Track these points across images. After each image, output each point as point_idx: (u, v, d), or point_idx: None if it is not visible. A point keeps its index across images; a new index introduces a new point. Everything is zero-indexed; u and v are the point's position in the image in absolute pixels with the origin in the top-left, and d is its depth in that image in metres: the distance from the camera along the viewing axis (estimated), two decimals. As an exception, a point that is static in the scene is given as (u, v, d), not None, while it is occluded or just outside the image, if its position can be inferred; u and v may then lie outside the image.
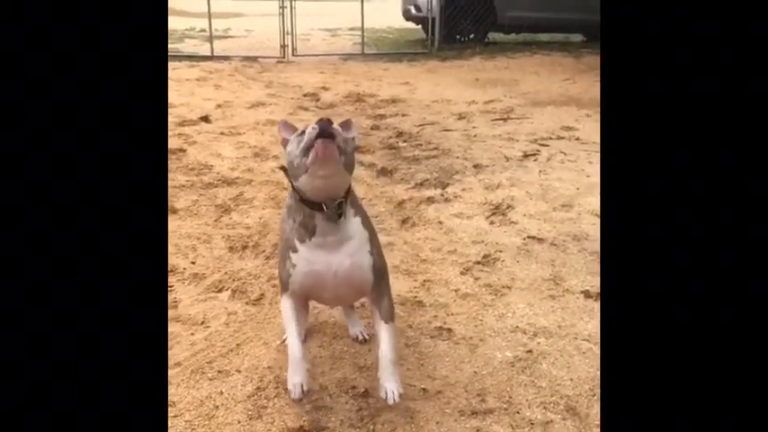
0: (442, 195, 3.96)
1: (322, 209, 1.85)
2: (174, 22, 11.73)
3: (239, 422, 2.02)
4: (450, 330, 2.51)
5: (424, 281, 2.90)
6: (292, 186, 1.91)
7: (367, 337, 2.44)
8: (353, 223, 1.93)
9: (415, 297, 2.76)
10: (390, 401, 1.93)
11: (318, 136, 1.73)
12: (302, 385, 1.95)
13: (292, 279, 1.96)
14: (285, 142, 1.95)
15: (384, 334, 1.98)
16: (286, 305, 2.02)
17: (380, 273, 2.00)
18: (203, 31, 10.21)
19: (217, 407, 2.08)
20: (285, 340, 2.38)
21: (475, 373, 2.26)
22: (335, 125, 1.80)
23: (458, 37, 10.48)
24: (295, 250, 1.93)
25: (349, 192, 1.92)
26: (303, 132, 1.82)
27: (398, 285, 2.86)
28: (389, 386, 1.94)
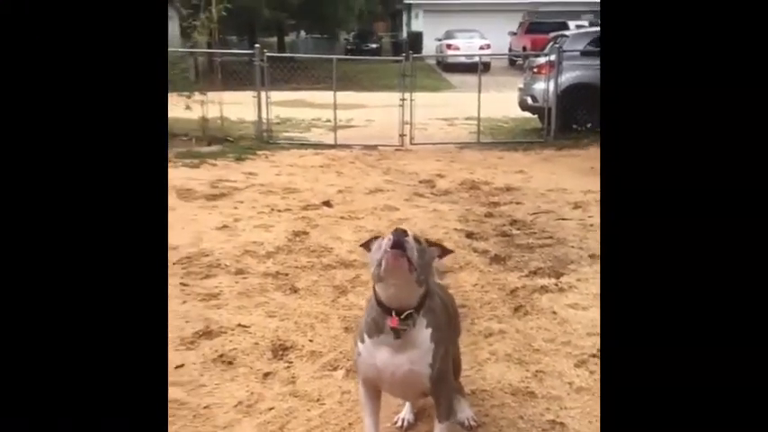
0: (557, 285, 3.93)
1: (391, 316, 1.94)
2: (302, 113, 12.64)
3: (350, 500, 2.07)
4: (563, 425, 2.46)
5: (537, 371, 2.87)
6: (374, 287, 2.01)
7: (474, 423, 2.44)
8: (421, 333, 1.98)
9: (527, 387, 2.73)
10: None
11: (391, 247, 1.83)
12: None
13: (357, 365, 2.10)
14: (369, 252, 2.04)
15: (437, 430, 2.07)
16: (361, 390, 2.15)
17: (439, 381, 2.04)
18: (328, 121, 10.88)
19: (329, 483, 2.15)
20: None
21: (588, 471, 2.19)
22: (410, 237, 1.88)
23: (574, 126, 10.48)
24: (362, 341, 2.04)
25: (423, 302, 1.98)
26: (381, 242, 1.92)
27: (510, 375, 2.85)
28: None
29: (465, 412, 2.47)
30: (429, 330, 1.99)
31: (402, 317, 1.93)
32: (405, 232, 1.87)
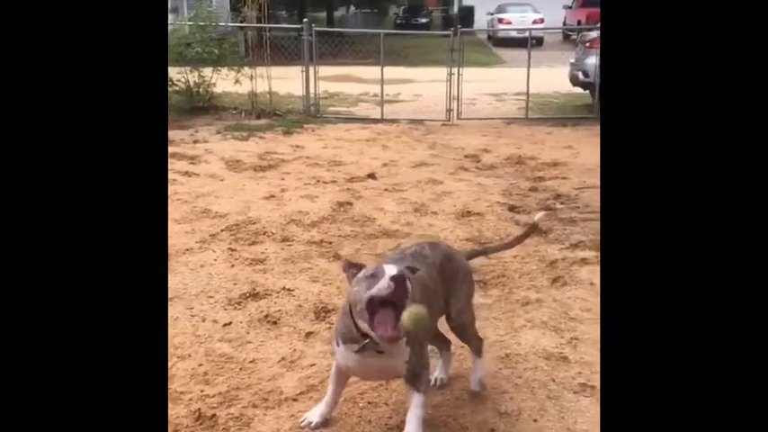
0: (597, 257, 3.93)
1: (366, 338, 1.99)
2: (350, 88, 12.71)
3: (383, 449, 2.18)
4: (593, 387, 2.51)
5: (572, 338, 2.92)
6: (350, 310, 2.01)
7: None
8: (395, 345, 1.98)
9: (561, 353, 2.79)
10: None
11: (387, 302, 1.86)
12: (312, 424, 2.28)
13: (336, 359, 2.19)
14: (351, 276, 2.04)
15: (413, 401, 2.09)
16: (333, 367, 2.28)
17: (416, 371, 2.08)
18: (376, 95, 10.92)
19: (364, 434, 2.27)
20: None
21: (617, 431, 2.24)
22: (408, 283, 1.88)
23: (626, 102, 10.25)
24: (338, 344, 2.12)
25: None
26: (373, 275, 1.90)
27: (544, 341, 2.91)
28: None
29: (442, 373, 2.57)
30: (403, 339, 1.96)
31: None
32: (405, 289, 1.86)
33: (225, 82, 9.78)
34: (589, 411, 2.36)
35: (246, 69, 9.66)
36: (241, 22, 10.68)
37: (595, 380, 2.57)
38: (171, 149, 7.00)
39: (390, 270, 1.88)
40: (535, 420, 2.33)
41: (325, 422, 2.30)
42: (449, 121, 9.75)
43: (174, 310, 3.19)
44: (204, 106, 9.74)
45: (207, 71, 9.67)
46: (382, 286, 1.85)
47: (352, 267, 2.03)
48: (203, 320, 3.12)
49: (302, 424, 2.30)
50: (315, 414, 2.31)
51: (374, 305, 1.88)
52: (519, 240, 2.86)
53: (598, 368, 2.64)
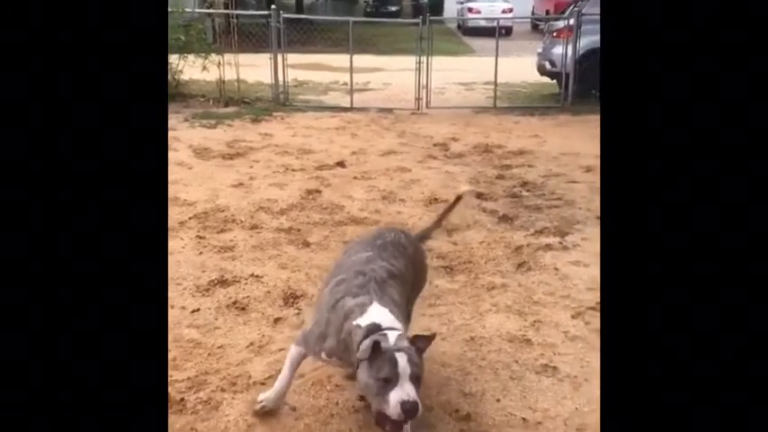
0: (561, 243, 4.03)
1: None
2: (320, 77, 12.66)
3: (351, 430, 2.23)
4: (555, 368, 2.59)
5: (535, 321, 2.99)
6: (357, 365, 1.93)
7: None
8: None
9: (524, 335, 2.86)
10: None
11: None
12: (265, 406, 2.31)
13: (317, 355, 2.17)
14: (363, 360, 1.91)
15: None
16: (295, 353, 2.27)
17: None
18: (345, 84, 10.90)
19: (332, 415, 2.32)
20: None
21: (576, 409, 2.33)
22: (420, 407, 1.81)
23: (593, 92, 10.41)
24: (330, 356, 2.11)
25: None
26: (387, 381, 1.81)
27: (509, 324, 2.99)
28: None
29: None
30: None
31: None
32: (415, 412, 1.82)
33: (192, 69, 9.66)
34: (550, 391, 2.44)
35: (214, 56, 9.55)
36: (208, 8, 10.56)
37: (557, 361, 2.65)
38: (137, 137, 6.91)
39: (404, 381, 1.82)
40: (498, 400, 2.40)
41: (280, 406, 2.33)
42: (418, 109, 9.79)
43: (141, 298, 3.19)
44: (171, 94, 9.61)
45: (174, 58, 9.54)
46: (394, 413, 1.81)
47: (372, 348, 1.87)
48: (172, 307, 3.12)
49: (255, 408, 2.31)
50: (272, 399, 2.31)
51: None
52: (448, 211, 3.01)
53: (559, 350, 2.74)
